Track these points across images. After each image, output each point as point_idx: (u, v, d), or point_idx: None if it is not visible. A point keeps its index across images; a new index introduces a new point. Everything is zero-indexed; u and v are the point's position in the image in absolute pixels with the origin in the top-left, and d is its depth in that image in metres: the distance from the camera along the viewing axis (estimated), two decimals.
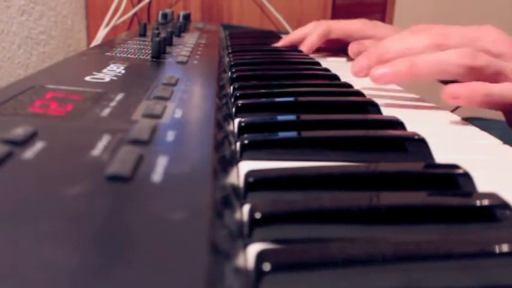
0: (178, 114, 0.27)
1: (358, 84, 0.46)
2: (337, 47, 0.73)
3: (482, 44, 0.39)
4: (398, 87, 0.50)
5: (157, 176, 0.18)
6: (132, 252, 0.13)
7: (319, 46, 0.72)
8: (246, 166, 0.25)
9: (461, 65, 0.36)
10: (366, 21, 0.68)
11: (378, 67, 0.39)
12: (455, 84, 0.33)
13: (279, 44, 0.74)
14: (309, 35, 0.71)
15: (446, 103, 0.39)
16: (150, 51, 0.48)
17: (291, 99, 0.38)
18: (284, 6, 1.06)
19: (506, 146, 0.31)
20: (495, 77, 0.36)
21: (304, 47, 0.71)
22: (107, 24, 1.03)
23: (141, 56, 0.47)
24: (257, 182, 0.22)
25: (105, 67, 0.39)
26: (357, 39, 0.67)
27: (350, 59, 0.70)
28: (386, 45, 0.42)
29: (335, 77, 0.50)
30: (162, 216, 0.15)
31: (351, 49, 0.65)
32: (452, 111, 0.41)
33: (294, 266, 0.16)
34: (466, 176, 0.23)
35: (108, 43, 0.56)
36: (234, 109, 0.36)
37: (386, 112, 0.37)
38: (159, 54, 0.47)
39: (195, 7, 1.08)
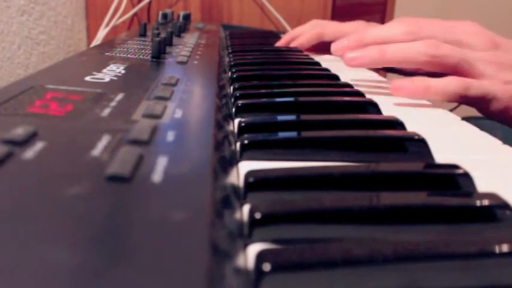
0: (178, 114, 0.27)
1: (358, 84, 0.46)
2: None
3: (455, 34, 0.43)
4: None
5: (157, 176, 0.18)
6: (132, 253, 0.13)
7: (312, 47, 0.72)
8: (246, 166, 0.25)
9: (425, 53, 0.40)
10: (361, 22, 0.69)
11: (352, 51, 0.44)
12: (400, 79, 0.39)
13: (278, 43, 0.74)
14: (301, 34, 0.72)
15: (445, 103, 0.39)
16: (150, 51, 0.48)
17: (291, 99, 0.38)
18: (284, 6, 1.06)
19: (506, 146, 0.31)
20: (459, 66, 0.40)
21: (293, 44, 0.72)
22: (107, 25, 1.03)
23: (141, 56, 0.47)
24: (257, 182, 0.22)
25: (105, 67, 0.39)
26: None
27: None
28: (365, 32, 0.47)
29: (335, 77, 0.50)
30: (162, 216, 0.15)
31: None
32: (451, 110, 0.41)
33: (294, 266, 0.16)
34: (466, 176, 0.23)
35: (108, 43, 0.56)
36: (234, 109, 0.36)
37: (386, 112, 0.37)
38: (159, 54, 0.47)
39: (195, 7, 1.08)
